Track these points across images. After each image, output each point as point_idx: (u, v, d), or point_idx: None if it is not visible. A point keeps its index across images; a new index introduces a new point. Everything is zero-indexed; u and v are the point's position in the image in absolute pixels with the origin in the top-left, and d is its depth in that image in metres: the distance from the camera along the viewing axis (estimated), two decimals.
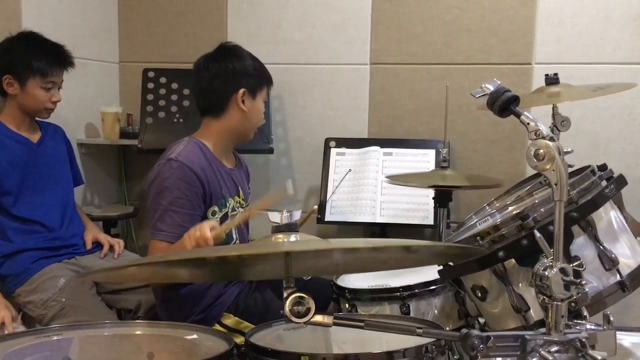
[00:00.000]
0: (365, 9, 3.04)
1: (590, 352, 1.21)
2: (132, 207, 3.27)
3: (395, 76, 3.03)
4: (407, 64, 3.01)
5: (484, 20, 2.90)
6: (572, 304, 1.36)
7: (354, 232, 3.04)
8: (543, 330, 1.25)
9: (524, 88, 2.80)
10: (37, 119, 2.54)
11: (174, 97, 3.02)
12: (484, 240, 1.59)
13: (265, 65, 2.34)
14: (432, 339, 1.40)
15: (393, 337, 1.44)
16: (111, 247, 2.61)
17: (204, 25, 3.23)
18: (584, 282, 1.23)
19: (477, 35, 2.91)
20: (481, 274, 1.63)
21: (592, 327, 1.30)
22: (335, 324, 1.20)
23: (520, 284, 1.56)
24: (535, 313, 1.55)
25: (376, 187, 2.83)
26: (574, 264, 1.26)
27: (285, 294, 1.18)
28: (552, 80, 2.22)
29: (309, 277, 2.43)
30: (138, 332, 1.63)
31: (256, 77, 2.29)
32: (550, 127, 2.16)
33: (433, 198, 2.47)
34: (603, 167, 1.71)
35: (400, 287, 2.03)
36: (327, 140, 3.00)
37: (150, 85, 3.03)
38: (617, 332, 1.28)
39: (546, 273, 1.23)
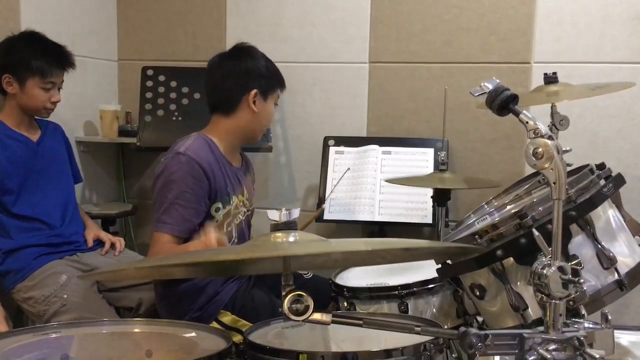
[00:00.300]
0: (365, 8, 3.04)
1: (588, 350, 1.21)
2: (130, 205, 3.27)
3: (395, 75, 3.02)
4: (406, 63, 3.00)
5: (484, 19, 2.90)
6: (570, 302, 1.35)
7: (352, 231, 3.04)
8: (541, 328, 1.25)
9: (523, 87, 2.80)
10: (36, 117, 2.54)
11: (173, 95, 3.01)
12: (482, 239, 1.59)
13: None
14: (431, 337, 1.40)
15: (391, 335, 1.44)
16: (112, 245, 2.62)
17: (203, 23, 3.22)
18: (582, 280, 1.24)
19: (477, 34, 2.91)
20: (479, 273, 1.63)
21: (590, 325, 1.30)
22: (333, 322, 1.20)
23: (518, 283, 1.56)
24: (533, 311, 1.54)
25: (375, 185, 2.83)
26: (572, 263, 1.26)
27: (283, 292, 1.19)
28: (551, 79, 2.23)
29: (309, 276, 2.44)
30: (136, 330, 1.63)
31: (269, 79, 2.29)
32: (549, 126, 2.16)
33: (432, 197, 2.48)
34: (601, 166, 1.71)
35: (399, 286, 2.03)
36: (326, 139, 2.99)
37: (149, 83, 3.03)
38: (615, 331, 1.28)
39: (544, 271, 1.24)
